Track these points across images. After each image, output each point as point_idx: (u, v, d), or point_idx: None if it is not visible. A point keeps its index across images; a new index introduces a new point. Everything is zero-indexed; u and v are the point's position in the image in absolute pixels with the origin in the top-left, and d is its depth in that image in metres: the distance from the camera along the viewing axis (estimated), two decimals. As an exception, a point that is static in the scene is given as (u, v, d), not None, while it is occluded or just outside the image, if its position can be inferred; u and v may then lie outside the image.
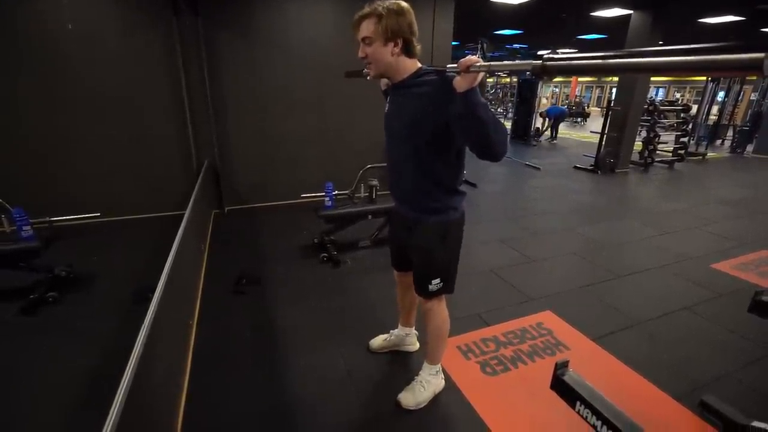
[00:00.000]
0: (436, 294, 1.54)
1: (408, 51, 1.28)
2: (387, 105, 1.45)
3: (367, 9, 1.24)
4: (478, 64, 1.03)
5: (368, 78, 1.42)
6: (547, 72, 0.90)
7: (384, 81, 1.48)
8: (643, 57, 0.73)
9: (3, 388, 1.77)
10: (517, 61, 0.98)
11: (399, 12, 1.22)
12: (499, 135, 1.16)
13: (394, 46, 1.25)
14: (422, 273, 1.53)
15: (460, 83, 1.09)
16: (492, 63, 1.03)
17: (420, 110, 1.28)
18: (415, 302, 1.84)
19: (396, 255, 1.74)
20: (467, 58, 1.06)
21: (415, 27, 1.27)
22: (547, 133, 10.84)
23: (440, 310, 1.61)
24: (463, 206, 1.49)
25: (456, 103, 1.13)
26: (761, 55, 0.58)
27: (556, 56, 0.89)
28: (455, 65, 1.09)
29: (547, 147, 9.77)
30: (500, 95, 18.32)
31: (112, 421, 0.86)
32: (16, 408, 1.66)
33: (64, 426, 1.58)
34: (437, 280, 1.51)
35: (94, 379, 1.79)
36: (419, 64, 1.33)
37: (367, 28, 1.24)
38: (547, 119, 10.73)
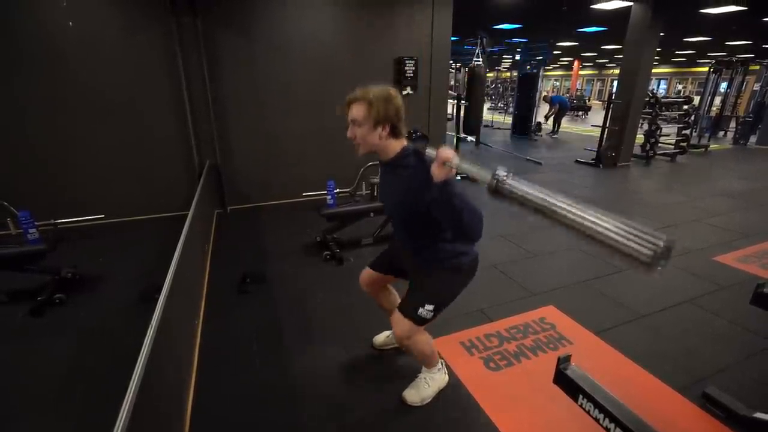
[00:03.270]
0: (418, 321, 1.46)
1: (395, 134, 1.34)
2: (379, 178, 1.53)
3: (358, 93, 1.29)
4: (454, 161, 1.07)
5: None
6: (497, 191, 0.94)
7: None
8: (580, 218, 0.84)
9: (15, 388, 1.79)
10: (479, 172, 1.00)
11: (388, 99, 1.28)
12: (474, 221, 1.24)
13: (383, 130, 1.30)
14: (418, 294, 1.49)
15: (437, 174, 1.11)
16: (463, 165, 1.06)
17: (403, 192, 1.35)
18: (396, 299, 1.84)
19: (388, 261, 1.74)
20: (444, 152, 1.08)
21: (402, 112, 1.33)
22: (550, 122, 10.69)
23: (420, 336, 1.55)
24: (475, 251, 1.53)
25: (432, 188, 1.16)
26: (651, 253, 0.70)
27: (509, 182, 0.92)
28: (433, 153, 1.13)
29: (548, 141, 9.73)
30: (500, 90, 18.24)
31: (123, 418, 0.88)
32: (28, 407, 1.69)
33: (77, 422, 1.61)
34: (430, 308, 1.45)
35: (103, 378, 1.81)
36: (405, 143, 1.38)
37: (357, 112, 1.29)
38: (551, 106, 10.59)
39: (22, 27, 3.18)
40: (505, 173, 0.93)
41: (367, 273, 1.79)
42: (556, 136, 10.53)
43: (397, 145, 1.36)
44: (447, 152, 1.08)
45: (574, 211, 0.83)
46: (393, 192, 1.42)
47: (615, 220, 0.78)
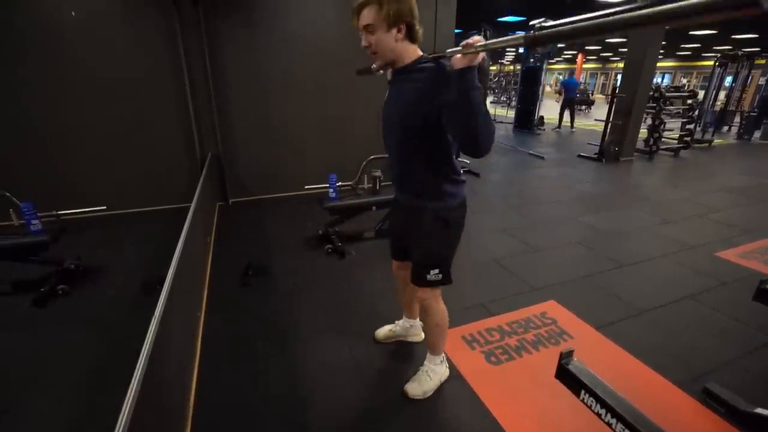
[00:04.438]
0: (434, 284, 1.51)
1: (411, 36, 1.27)
2: (387, 93, 1.44)
3: None
4: (479, 44, 1.02)
5: (376, 73, 1.41)
6: (537, 42, 0.85)
7: (390, 72, 1.47)
8: (634, 12, 0.68)
9: (18, 379, 1.81)
10: (510, 36, 0.94)
11: None
12: (488, 126, 1.14)
13: (398, 31, 1.23)
14: (421, 262, 1.51)
15: (458, 60, 1.07)
16: (488, 42, 1.01)
17: (415, 95, 1.26)
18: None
19: (396, 244, 1.74)
20: (472, 38, 1.05)
21: (416, 10, 1.25)
22: (564, 117, 10.33)
23: (438, 304, 1.60)
24: (462, 193, 1.46)
25: (451, 87, 1.12)
26: None
27: (546, 24, 0.83)
28: (458, 48, 1.08)
29: (551, 136, 9.67)
30: (503, 83, 18.11)
31: (127, 409, 0.89)
32: (31, 397, 1.70)
33: (80, 413, 1.62)
34: (436, 271, 1.49)
35: (106, 369, 1.83)
36: (420, 52, 1.32)
37: (368, 16, 1.21)
38: (562, 93, 10.09)
39: (24, 16, 3.15)
40: (542, 19, 0.85)
41: (393, 263, 1.81)
42: (558, 130, 10.31)
43: (413, 51, 1.29)
44: (475, 37, 1.03)
45: (629, 8, 0.69)
46: (402, 98, 1.32)
47: None
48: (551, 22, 0.82)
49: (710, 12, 0.58)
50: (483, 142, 1.14)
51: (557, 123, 10.56)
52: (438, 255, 1.50)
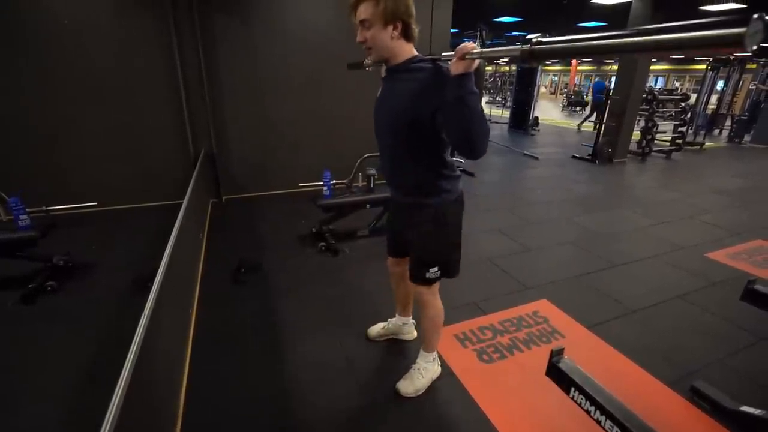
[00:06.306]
0: (432, 281, 1.53)
1: (407, 34, 1.27)
2: (380, 90, 1.44)
3: None
4: (475, 51, 1.03)
5: (368, 68, 1.41)
6: (535, 57, 0.87)
7: (384, 68, 1.46)
8: (626, 38, 0.71)
9: (4, 376, 1.78)
10: (506, 47, 0.96)
11: None
12: (483, 129, 1.15)
13: (394, 29, 1.23)
14: (420, 260, 1.51)
15: (456, 66, 1.08)
16: (483, 50, 1.03)
17: (411, 95, 1.26)
18: (411, 293, 1.85)
19: (393, 241, 1.74)
20: (464, 44, 1.06)
21: (413, 9, 1.25)
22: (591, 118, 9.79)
23: (435, 301, 1.62)
24: (458, 189, 1.46)
25: (448, 90, 1.12)
26: (741, 30, 0.55)
27: (544, 39, 0.85)
28: (452, 53, 1.09)
29: (546, 136, 9.72)
30: (499, 84, 18.17)
31: (115, 406, 0.88)
32: (18, 395, 1.68)
33: (66, 411, 1.60)
34: (435, 269, 1.50)
35: (95, 367, 1.81)
36: (415, 52, 1.32)
37: (365, 11, 1.21)
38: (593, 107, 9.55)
39: (16, 11, 3.10)
40: (537, 35, 0.88)
41: (389, 260, 1.81)
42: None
43: (408, 50, 1.30)
44: (467, 44, 1.05)
45: (621, 33, 0.72)
46: (396, 97, 1.31)
47: (675, 24, 0.65)
48: (548, 38, 0.84)
49: (697, 47, 0.62)
50: (478, 144, 1.16)
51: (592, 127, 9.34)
52: (437, 253, 1.50)
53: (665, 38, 0.65)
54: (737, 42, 0.56)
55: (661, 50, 0.68)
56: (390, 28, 1.23)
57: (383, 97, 1.41)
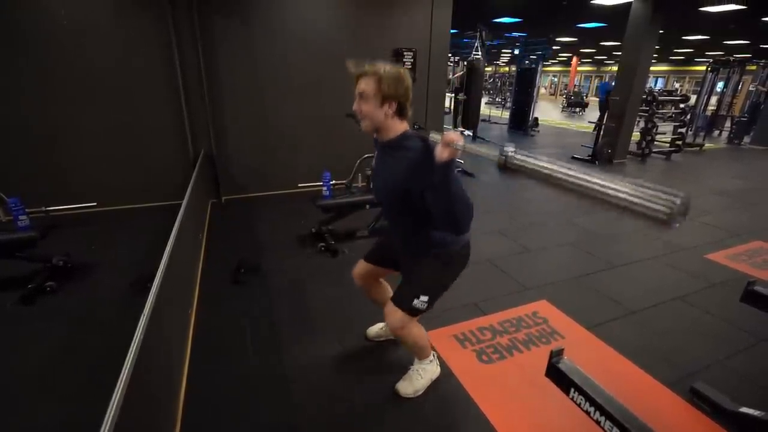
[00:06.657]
0: (415, 313, 1.47)
1: (401, 113, 1.32)
2: (374, 160, 1.50)
3: (369, 67, 1.26)
4: (460, 143, 1.08)
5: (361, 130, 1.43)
6: (507, 167, 1.00)
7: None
8: (577, 181, 0.86)
9: (3, 376, 1.78)
10: (487, 150, 1.06)
11: (398, 78, 1.26)
12: (465, 213, 1.23)
13: (389, 107, 1.28)
14: (411, 287, 1.49)
15: (441, 154, 1.10)
16: (467, 145, 1.09)
17: (401, 175, 1.30)
18: (386, 290, 1.85)
19: (380, 252, 1.74)
20: (450, 134, 1.09)
21: (411, 92, 1.31)
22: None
23: (413, 326, 1.56)
24: (464, 238, 1.51)
25: (433, 172, 1.15)
26: (668, 210, 0.70)
27: (518, 156, 0.97)
28: (439, 136, 1.13)
29: (546, 137, 9.72)
30: (498, 84, 18.19)
31: (114, 406, 0.88)
32: (18, 395, 1.68)
33: (66, 412, 1.60)
34: (425, 298, 1.45)
35: (95, 367, 1.81)
36: (406, 126, 1.36)
37: (366, 85, 1.27)
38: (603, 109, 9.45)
39: (15, 12, 3.10)
40: (513, 149, 0.98)
41: (361, 265, 1.78)
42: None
43: (400, 127, 1.34)
44: (453, 134, 1.08)
45: (580, 176, 0.86)
46: (389, 175, 1.37)
47: (624, 181, 0.79)
48: (520, 156, 0.98)
49: (631, 210, 0.76)
50: (460, 224, 1.26)
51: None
52: (432, 281, 1.49)
53: (610, 194, 0.80)
54: (665, 222, 0.72)
55: (604, 202, 0.82)
56: (386, 106, 1.28)
57: (378, 169, 1.47)
